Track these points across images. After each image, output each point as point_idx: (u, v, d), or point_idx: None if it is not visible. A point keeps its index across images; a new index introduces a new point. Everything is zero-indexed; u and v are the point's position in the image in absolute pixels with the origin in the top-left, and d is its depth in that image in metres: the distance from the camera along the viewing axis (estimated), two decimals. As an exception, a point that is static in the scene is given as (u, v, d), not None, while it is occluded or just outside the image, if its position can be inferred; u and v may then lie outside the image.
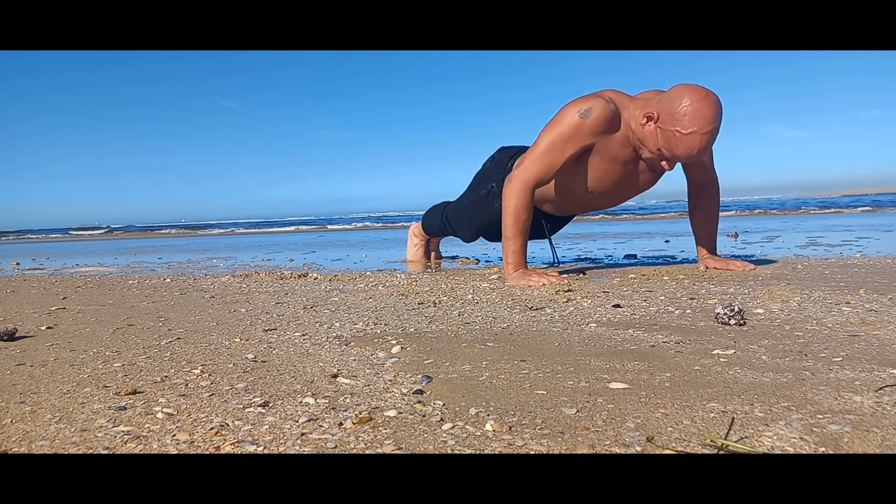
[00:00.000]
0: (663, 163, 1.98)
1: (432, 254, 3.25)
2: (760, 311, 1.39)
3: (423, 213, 3.06)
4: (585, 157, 2.08)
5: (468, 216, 2.63)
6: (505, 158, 2.46)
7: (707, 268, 2.19)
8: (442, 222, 2.86)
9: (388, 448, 0.65)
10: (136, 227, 18.19)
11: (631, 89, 2.29)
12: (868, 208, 9.64)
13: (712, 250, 2.29)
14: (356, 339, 1.23)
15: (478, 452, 0.64)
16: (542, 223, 2.54)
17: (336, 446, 0.67)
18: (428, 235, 3.14)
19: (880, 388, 0.80)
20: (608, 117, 1.98)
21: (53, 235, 15.23)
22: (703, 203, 2.29)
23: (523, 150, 2.38)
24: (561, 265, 2.67)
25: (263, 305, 1.75)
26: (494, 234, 2.58)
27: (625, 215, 11.43)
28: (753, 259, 2.63)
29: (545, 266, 2.65)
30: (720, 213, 2.36)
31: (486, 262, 3.02)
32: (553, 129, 2.02)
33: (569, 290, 1.81)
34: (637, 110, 1.98)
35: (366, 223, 14.50)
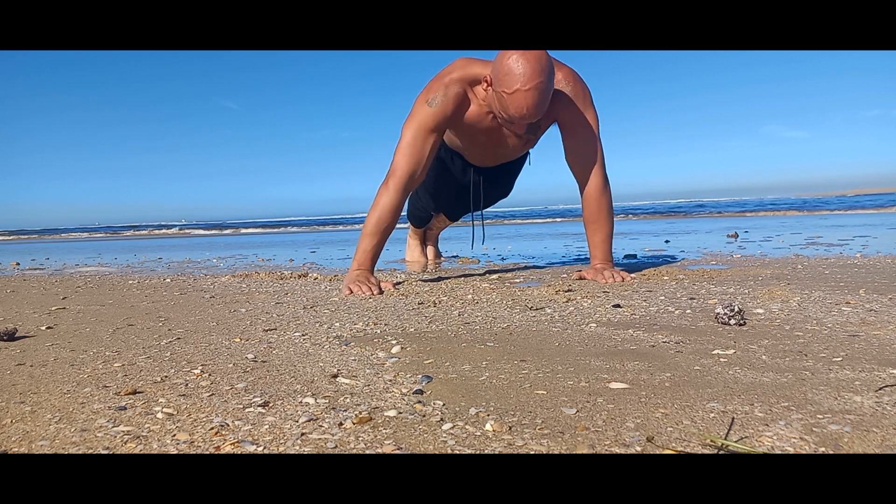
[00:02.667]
0: (513, 126, 1.95)
1: (430, 250, 3.24)
2: (760, 311, 1.39)
3: None
4: (456, 131, 2.15)
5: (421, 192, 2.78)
6: None
7: (581, 278, 2.09)
8: (412, 207, 2.93)
9: (388, 448, 0.65)
10: (140, 228, 18.19)
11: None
12: (862, 209, 9.65)
13: (600, 258, 2.18)
14: (356, 339, 1.23)
15: (478, 452, 0.64)
16: (477, 191, 2.59)
17: (336, 446, 0.67)
18: (416, 227, 3.14)
19: (880, 388, 0.80)
20: (454, 102, 2.01)
21: (49, 236, 15.19)
22: (588, 212, 2.18)
23: None
24: (484, 246, 2.75)
25: (263, 305, 1.75)
26: (449, 207, 2.74)
27: (624, 215, 11.44)
28: (754, 258, 2.64)
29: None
30: (615, 219, 2.21)
31: (486, 262, 3.02)
32: (411, 123, 2.03)
33: (569, 290, 1.81)
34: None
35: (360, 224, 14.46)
